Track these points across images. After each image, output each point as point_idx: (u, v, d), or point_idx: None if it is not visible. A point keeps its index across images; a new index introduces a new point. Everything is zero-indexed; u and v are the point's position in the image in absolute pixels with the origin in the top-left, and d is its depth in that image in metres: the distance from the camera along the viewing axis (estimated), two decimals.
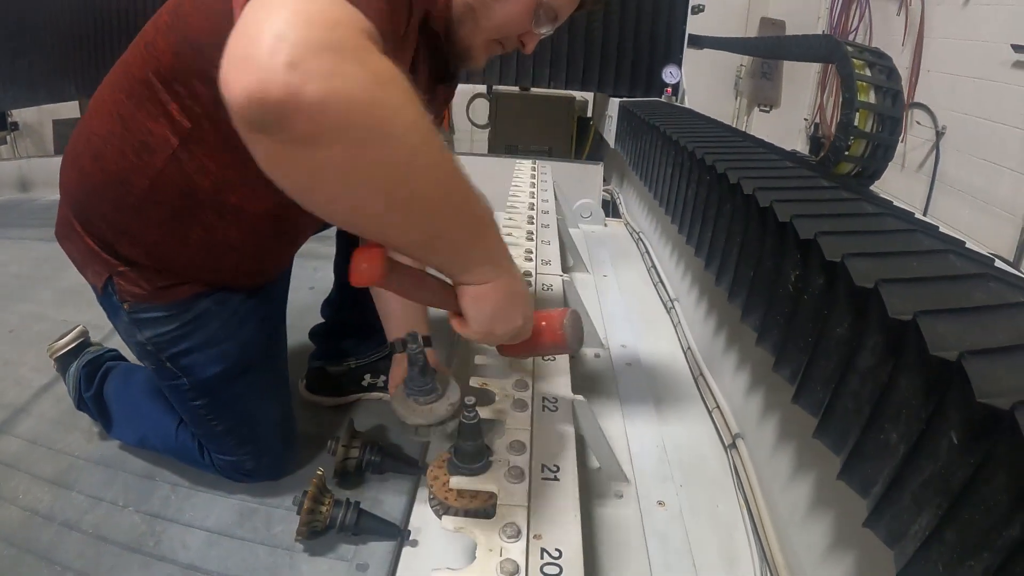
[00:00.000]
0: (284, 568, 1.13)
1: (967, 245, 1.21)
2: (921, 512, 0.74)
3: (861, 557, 0.93)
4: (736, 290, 1.38)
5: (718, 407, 1.51)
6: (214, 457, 1.28)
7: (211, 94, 0.92)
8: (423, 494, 1.24)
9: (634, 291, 2.27)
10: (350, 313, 1.55)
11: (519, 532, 0.81)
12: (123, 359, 1.51)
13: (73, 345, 1.45)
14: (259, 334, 1.26)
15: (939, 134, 4.14)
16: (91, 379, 1.40)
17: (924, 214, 4.15)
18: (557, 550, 0.80)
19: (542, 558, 0.79)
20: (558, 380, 1.18)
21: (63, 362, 1.45)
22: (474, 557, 0.78)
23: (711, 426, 1.50)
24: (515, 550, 0.79)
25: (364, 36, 0.53)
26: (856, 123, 1.57)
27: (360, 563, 1.13)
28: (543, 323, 0.92)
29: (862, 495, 0.86)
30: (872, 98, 1.60)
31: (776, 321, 1.16)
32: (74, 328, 1.47)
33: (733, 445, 1.38)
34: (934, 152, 4.18)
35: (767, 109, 5.75)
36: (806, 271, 1.06)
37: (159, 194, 1.03)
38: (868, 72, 1.63)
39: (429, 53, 1.03)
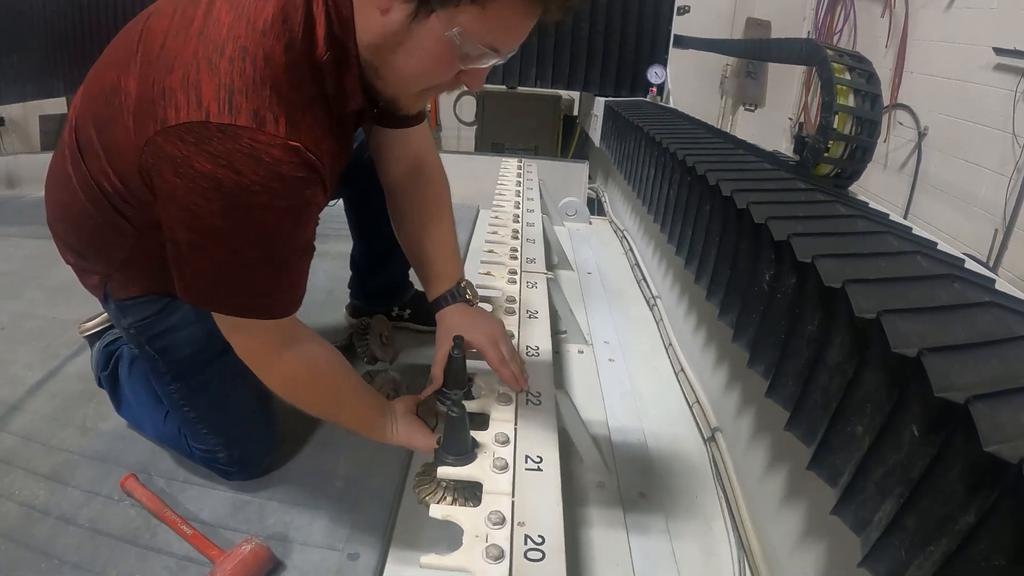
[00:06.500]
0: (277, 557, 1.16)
1: (939, 246, 1.25)
2: (885, 500, 0.77)
3: (831, 544, 0.97)
4: (714, 289, 1.42)
5: (698, 402, 1.54)
6: (191, 447, 1.31)
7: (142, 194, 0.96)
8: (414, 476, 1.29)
9: (618, 288, 2.30)
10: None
11: (504, 519, 0.85)
12: None
13: (99, 328, 1.52)
14: None
15: (921, 135, 4.18)
16: (107, 360, 1.46)
17: (906, 213, 4.20)
18: (540, 536, 0.83)
19: (526, 544, 0.82)
20: (542, 375, 1.21)
21: (90, 341, 1.53)
22: (461, 543, 0.82)
23: (691, 420, 1.54)
24: (500, 536, 0.82)
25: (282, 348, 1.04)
26: (835, 126, 1.59)
27: (351, 552, 1.15)
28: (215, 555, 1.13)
29: (831, 484, 0.90)
30: (851, 101, 1.62)
31: (751, 319, 1.20)
32: (102, 313, 1.53)
33: (712, 438, 1.42)
34: (916, 152, 4.21)
35: (752, 108, 5.78)
36: (779, 271, 1.10)
37: (138, 258, 1.12)
38: (848, 76, 1.65)
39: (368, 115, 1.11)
